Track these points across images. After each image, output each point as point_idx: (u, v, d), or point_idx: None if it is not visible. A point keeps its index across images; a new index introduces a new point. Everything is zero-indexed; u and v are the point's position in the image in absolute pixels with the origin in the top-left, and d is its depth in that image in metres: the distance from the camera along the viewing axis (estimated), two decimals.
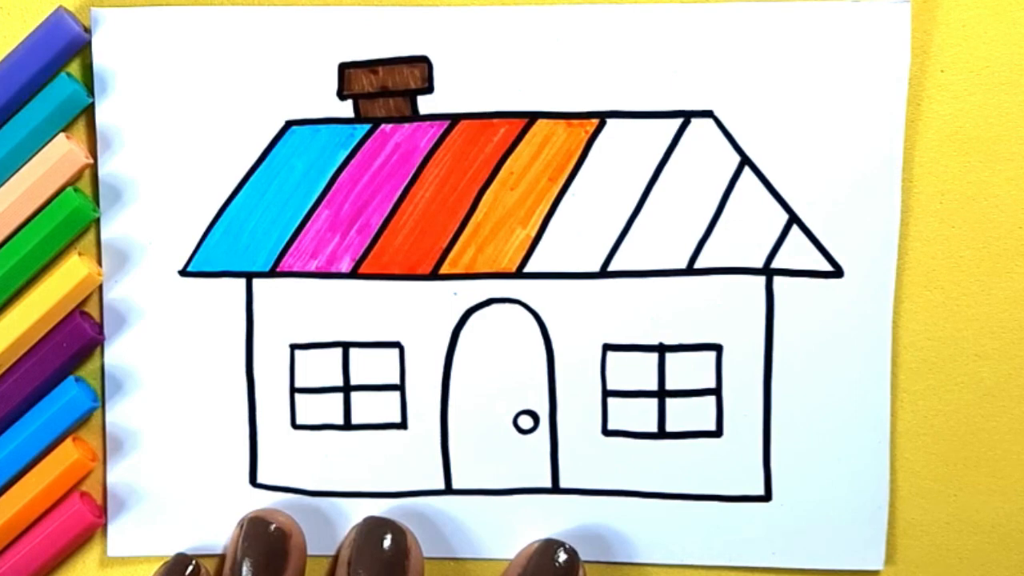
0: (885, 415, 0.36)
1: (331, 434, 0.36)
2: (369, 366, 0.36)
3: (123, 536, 0.37)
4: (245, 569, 0.34)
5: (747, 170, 0.35)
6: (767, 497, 0.36)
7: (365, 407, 0.36)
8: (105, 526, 0.37)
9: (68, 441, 0.36)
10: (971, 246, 0.35)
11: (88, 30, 0.35)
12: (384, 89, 0.35)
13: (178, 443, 0.36)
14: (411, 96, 0.35)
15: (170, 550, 0.37)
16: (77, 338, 0.35)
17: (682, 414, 0.36)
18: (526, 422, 0.36)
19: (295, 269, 0.35)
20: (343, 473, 0.36)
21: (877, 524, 0.36)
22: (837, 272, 0.35)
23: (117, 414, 0.36)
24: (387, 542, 0.35)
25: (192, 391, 0.36)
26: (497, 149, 0.35)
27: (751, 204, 0.35)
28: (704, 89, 0.34)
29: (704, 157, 0.35)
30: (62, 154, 0.34)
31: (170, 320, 0.36)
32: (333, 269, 0.35)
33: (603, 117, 0.35)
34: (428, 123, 0.35)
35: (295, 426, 0.36)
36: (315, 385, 0.36)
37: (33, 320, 0.35)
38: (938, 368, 0.36)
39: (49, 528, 0.36)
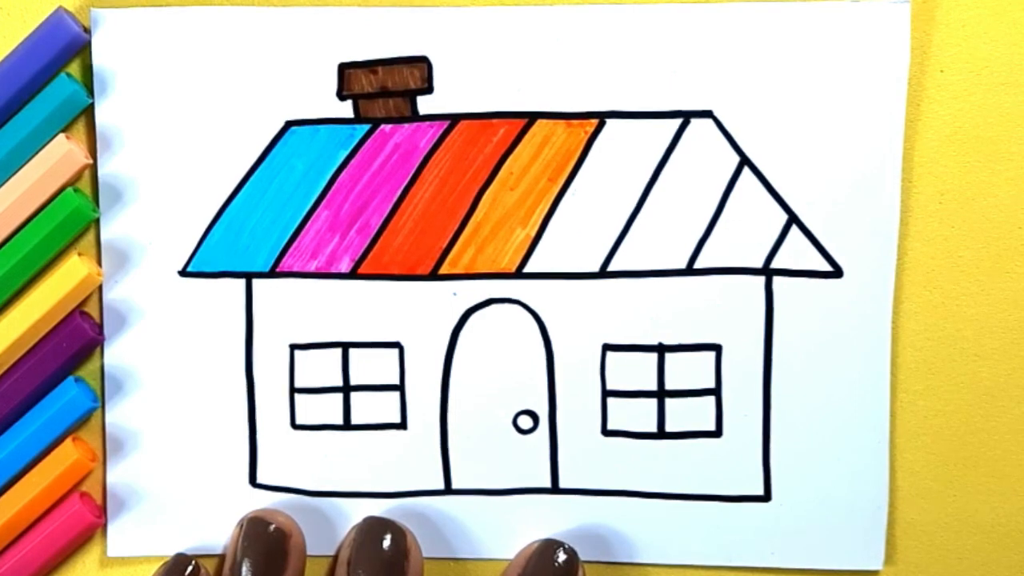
0: (885, 415, 0.36)
1: (331, 434, 0.36)
2: (369, 366, 0.36)
3: (123, 536, 0.37)
4: (245, 569, 0.34)
5: (746, 170, 0.35)
6: (767, 497, 0.36)
7: (365, 407, 0.36)
8: (105, 526, 0.37)
9: (68, 441, 0.36)
10: (971, 246, 0.35)
11: (88, 30, 0.35)
12: (384, 89, 0.35)
13: (178, 443, 0.36)
14: (411, 96, 0.35)
15: (170, 550, 0.37)
16: (77, 338, 0.35)
17: (682, 414, 0.36)
18: (526, 422, 0.36)
19: (295, 269, 0.35)
20: (343, 473, 0.36)
21: (877, 524, 0.36)
22: (837, 272, 0.35)
23: (117, 414, 0.36)
24: (387, 542, 0.35)
25: (192, 391, 0.36)
26: (497, 149, 0.35)
27: (751, 204, 0.35)
28: (703, 89, 0.34)
29: (704, 157, 0.35)
30: (62, 154, 0.34)
31: (170, 320, 0.36)
32: (333, 269, 0.35)
33: (603, 117, 0.35)
34: (428, 123, 0.35)
35: (295, 426, 0.36)
36: (315, 385, 0.36)
37: (33, 320, 0.35)
38: (938, 368, 0.36)
39: (49, 528, 0.36)
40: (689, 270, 0.35)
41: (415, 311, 0.35)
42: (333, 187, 0.35)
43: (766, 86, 0.34)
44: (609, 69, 0.34)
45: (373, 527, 0.35)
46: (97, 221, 0.35)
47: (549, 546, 0.35)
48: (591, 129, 0.35)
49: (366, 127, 0.35)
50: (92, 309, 0.36)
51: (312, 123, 0.35)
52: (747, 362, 0.35)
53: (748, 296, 0.35)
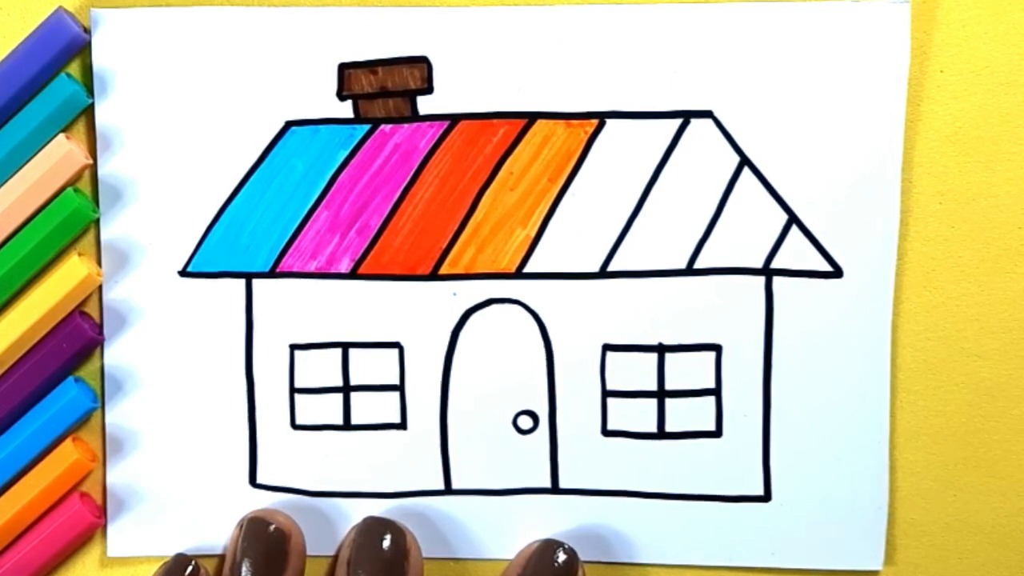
0: (885, 415, 0.36)
1: (331, 434, 0.36)
2: (369, 366, 0.36)
3: (123, 536, 0.37)
4: (245, 569, 0.34)
5: (746, 170, 0.35)
6: (767, 497, 0.36)
7: (365, 407, 0.36)
8: (105, 526, 0.37)
9: (68, 441, 0.36)
10: (971, 246, 0.35)
11: (88, 30, 0.35)
12: (384, 89, 0.35)
13: (178, 443, 0.36)
14: (411, 96, 0.35)
15: (170, 550, 0.37)
16: (77, 338, 0.35)
17: (682, 414, 0.36)
18: (526, 422, 0.36)
19: (295, 269, 0.35)
20: (343, 473, 0.36)
21: (877, 524, 0.36)
22: (837, 272, 0.35)
23: (117, 414, 0.36)
24: (387, 542, 0.35)
25: (192, 391, 0.36)
26: (497, 149, 0.35)
27: (751, 204, 0.35)
28: (704, 89, 0.34)
29: (704, 157, 0.35)
30: (62, 154, 0.34)
31: (170, 320, 0.36)
32: (333, 269, 0.35)
33: (603, 117, 0.35)
34: (428, 123, 0.35)
35: (295, 426, 0.36)
36: (315, 385, 0.36)
37: (33, 320, 0.35)
38: (938, 368, 0.36)
39: (49, 528, 0.36)
40: (689, 270, 0.35)
41: (415, 311, 0.35)
42: (333, 187, 0.35)
43: (766, 86, 0.34)
44: (609, 69, 0.34)
45: (373, 527, 0.35)
46: (97, 221, 0.35)
47: (549, 546, 0.35)
48: (591, 129, 0.35)
49: (366, 127, 0.35)
50: (92, 309, 0.36)
51: (312, 123, 0.35)
52: (747, 362, 0.35)
53: (748, 296, 0.35)
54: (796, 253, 0.35)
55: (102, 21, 0.35)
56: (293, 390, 0.36)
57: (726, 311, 0.35)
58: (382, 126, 0.35)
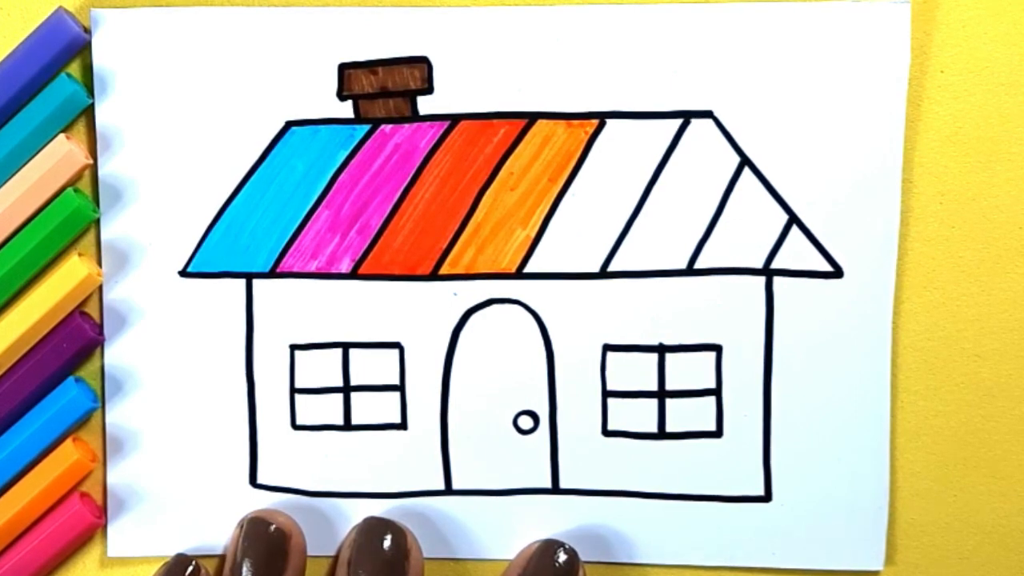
0: (885, 415, 0.36)
1: (331, 434, 0.36)
2: (369, 367, 0.36)
3: (123, 536, 0.37)
4: (245, 570, 0.34)
5: (747, 170, 0.35)
6: (767, 497, 0.36)
7: (365, 408, 0.36)
8: (105, 527, 0.37)
9: (68, 442, 0.36)
10: (971, 246, 0.35)
11: (88, 30, 0.35)
12: (384, 89, 0.35)
13: (178, 443, 0.36)
14: (411, 96, 0.35)
15: (170, 550, 0.37)
16: (77, 339, 0.35)
17: (682, 414, 0.36)
18: (526, 422, 0.36)
19: (295, 270, 0.35)
20: (343, 473, 0.36)
21: (877, 524, 0.36)
22: (837, 272, 0.35)
23: (117, 414, 0.36)
24: (387, 542, 0.35)
25: (192, 391, 0.36)
26: (497, 149, 0.35)
27: (751, 204, 0.35)
28: (704, 89, 0.34)
29: (704, 157, 0.35)
30: (62, 154, 0.34)
31: (170, 321, 0.36)
32: (333, 270, 0.35)
33: (603, 117, 0.35)
34: (428, 123, 0.35)
35: (295, 426, 0.36)
36: (315, 386, 0.36)
37: (33, 320, 0.35)
38: (938, 368, 0.36)
39: (49, 528, 0.36)
40: (689, 270, 0.35)
41: (415, 311, 0.35)
42: (333, 187, 0.35)
43: (766, 86, 0.34)
44: (609, 69, 0.34)
45: (373, 527, 0.35)
46: (97, 221, 0.35)
47: (549, 546, 0.35)
48: (591, 129, 0.35)
49: (366, 127, 0.35)
50: (92, 309, 0.36)
51: (312, 123, 0.35)
52: (747, 362, 0.35)
53: (748, 296, 0.35)
54: (796, 253, 0.35)
55: (102, 21, 0.35)
56: (293, 390, 0.36)
57: (726, 311, 0.35)
58: (382, 126, 0.35)
